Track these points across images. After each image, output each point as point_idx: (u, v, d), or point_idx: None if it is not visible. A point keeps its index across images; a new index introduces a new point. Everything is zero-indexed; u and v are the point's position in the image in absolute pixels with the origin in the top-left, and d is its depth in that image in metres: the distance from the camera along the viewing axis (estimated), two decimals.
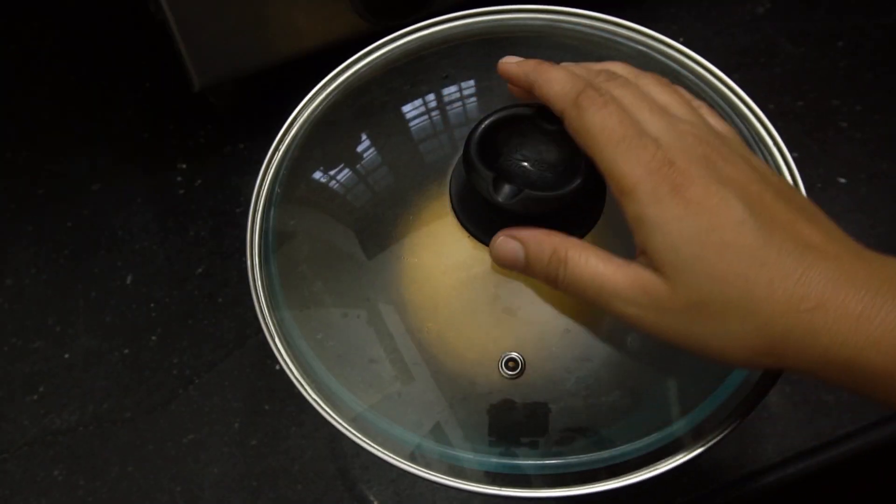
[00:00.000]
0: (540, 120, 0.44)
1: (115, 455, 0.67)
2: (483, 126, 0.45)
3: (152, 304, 0.74)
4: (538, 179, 0.44)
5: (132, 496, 0.66)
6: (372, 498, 0.66)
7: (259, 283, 0.52)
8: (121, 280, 0.75)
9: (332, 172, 0.54)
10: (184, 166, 0.81)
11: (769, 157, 0.55)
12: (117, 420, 0.68)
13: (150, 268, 0.75)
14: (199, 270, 0.75)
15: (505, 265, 0.44)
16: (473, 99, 0.56)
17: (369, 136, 0.55)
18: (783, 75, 0.83)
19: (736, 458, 0.65)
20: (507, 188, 0.43)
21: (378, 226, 0.52)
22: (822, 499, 0.78)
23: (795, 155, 0.76)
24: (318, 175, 0.55)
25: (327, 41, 0.75)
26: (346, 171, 0.54)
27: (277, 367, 0.70)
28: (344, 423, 0.48)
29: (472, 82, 0.56)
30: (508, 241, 0.44)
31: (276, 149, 0.55)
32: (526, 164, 0.45)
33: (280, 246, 0.53)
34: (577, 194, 0.43)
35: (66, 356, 0.71)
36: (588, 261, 0.41)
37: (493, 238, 0.45)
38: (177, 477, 0.67)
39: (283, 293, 0.52)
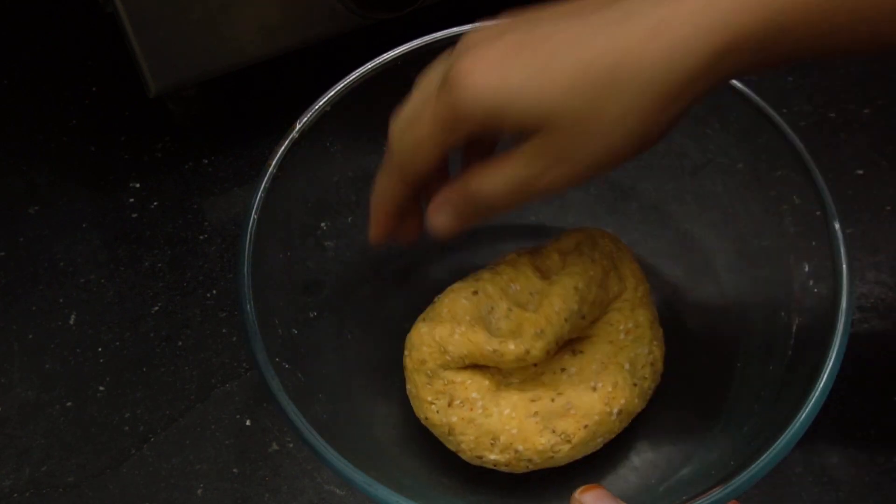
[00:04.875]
0: None
1: None
2: None
3: (100, 349, 0.73)
4: None
5: None
6: None
7: None
8: (63, 320, 0.75)
9: None
10: (137, 185, 0.81)
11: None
12: (58, 485, 0.68)
13: (98, 305, 0.75)
14: (156, 309, 0.75)
15: None
16: None
17: None
18: (846, 77, 0.84)
19: None
20: None
21: None
22: None
23: (860, 172, 0.77)
24: None
25: (306, 38, 0.75)
26: None
27: (248, 423, 0.70)
28: None
29: None
30: None
31: None
32: None
33: None
34: None
35: None
36: None
37: None
38: None
39: None
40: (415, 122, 0.53)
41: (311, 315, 0.66)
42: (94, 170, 0.82)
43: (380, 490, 0.53)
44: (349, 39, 0.76)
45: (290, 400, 0.55)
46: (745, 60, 0.47)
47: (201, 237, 0.78)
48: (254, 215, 0.61)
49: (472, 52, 0.49)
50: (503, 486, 0.65)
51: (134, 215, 0.80)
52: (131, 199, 0.80)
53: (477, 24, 0.53)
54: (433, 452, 0.66)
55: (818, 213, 0.58)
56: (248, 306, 0.58)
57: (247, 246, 0.60)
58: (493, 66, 0.48)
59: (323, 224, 0.69)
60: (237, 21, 0.72)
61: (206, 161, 0.82)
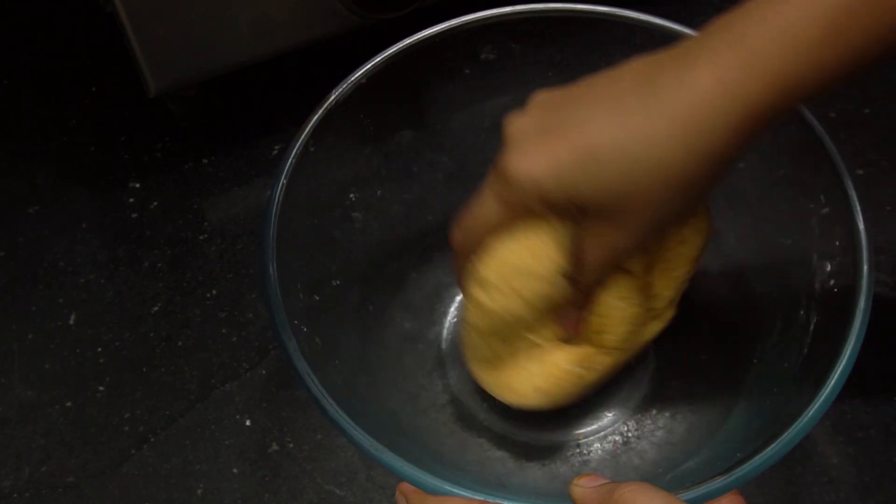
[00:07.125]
0: None
1: None
2: None
3: (100, 349, 0.73)
4: None
5: None
6: None
7: None
8: (62, 320, 0.74)
9: None
10: (137, 185, 0.81)
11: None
12: (58, 485, 0.68)
13: (98, 305, 0.75)
14: (155, 309, 0.75)
15: None
16: None
17: None
18: None
19: None
20: None
21: None
22: None
23: (860, 172, 0.77)
24: None
25: (308, 38, 0.75)
26: None
27: (248, 423, 0.70)
28: None
29: None
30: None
31: None
32: None
33: None
34: None
35: None
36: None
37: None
38: None
39: None
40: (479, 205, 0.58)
41: (335, 284, 0.66)
42: (94, 170, 0.82)
43: (386, 455, 0.52)
44: (349, 39, 0.76)
45: (303, 360, 0.55)
46: (763, 127, 0.49)
47: (201, 237, 0.78)
48: (283, 179, 0.60)
49: (519, 148, 0.53)
50: (510, 462, 0.66)
51: (134, 215, 0.79)
52: (131, 199, 0.80)
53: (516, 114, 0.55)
54: (445, 426, 0.67)
55: (844, 213, 0.58)
56: (271, 268, 0.58)
57: (274, 207, 0.59)
58: (539, 160, 0.52)
59: (351, 195, 0.68)
60: (237, 21, 0.72)
61: (206, 161, 0.82)
